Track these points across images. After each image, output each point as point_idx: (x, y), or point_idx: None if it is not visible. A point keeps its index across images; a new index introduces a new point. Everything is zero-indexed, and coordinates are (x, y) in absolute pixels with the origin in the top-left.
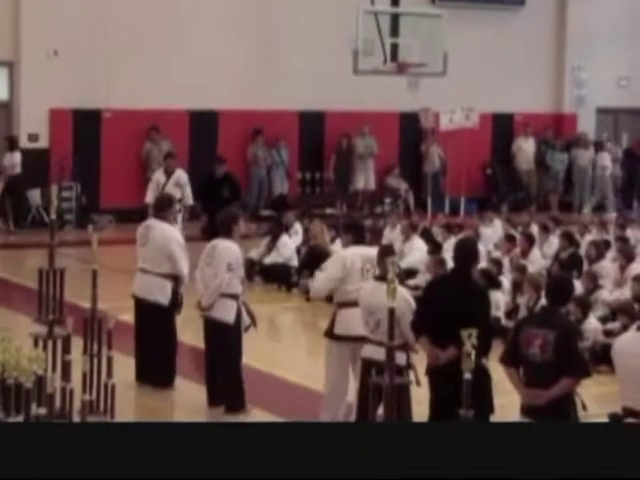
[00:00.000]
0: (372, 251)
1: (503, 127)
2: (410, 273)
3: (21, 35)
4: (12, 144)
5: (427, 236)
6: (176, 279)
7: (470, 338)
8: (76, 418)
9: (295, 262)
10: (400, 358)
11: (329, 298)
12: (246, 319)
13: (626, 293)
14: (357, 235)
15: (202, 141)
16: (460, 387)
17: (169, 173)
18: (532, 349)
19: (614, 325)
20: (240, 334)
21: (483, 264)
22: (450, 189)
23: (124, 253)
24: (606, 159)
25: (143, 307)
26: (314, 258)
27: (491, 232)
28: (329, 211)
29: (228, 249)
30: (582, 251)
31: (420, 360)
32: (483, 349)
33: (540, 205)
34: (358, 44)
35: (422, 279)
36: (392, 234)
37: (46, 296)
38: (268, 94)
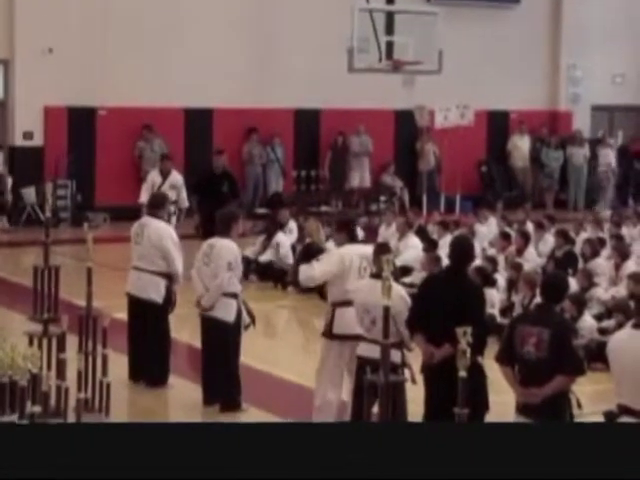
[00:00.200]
0: (368, 249)
1: (498, 125)
2: (405, 271)
3: (16, 33)
4: None
5: (422, 234)
6: (170, 277)
7: (465, 336)
8: (71, 416)
9: (290, 260)
10: (395, 356)
11: (323, 296)
12: (246, 318)
13: (621, 291)
14: (351, 233)
15: (197, 139)
16: (455, 385)
17: (165, 175)
18: (527, 347)
19: (609, 323)
20: (239, 333)
21: (478, 262)
22: (445, 187)
23: (119, 251)
24: (610, 155)
25: (137, 305)
26: (309, 256)
27: (486, 230)
28: (324, 209)
29: (228, 248)
30: (577, 249)
31: (415, 358)
32: (478, 347)
33: (535, 203)
34: (353, 42)
35: (417, 277)
36: (387, 232)
37: (41, 294)
38: (264, 92)
